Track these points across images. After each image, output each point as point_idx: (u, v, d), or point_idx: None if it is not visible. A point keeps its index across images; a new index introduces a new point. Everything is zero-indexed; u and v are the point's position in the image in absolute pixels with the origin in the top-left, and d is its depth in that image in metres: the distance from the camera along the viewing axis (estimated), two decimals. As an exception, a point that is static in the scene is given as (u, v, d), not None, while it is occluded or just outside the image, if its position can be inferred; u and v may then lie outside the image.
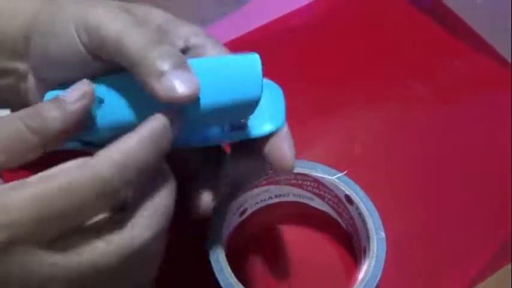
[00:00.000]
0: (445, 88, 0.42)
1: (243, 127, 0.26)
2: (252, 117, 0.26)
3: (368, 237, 0.30)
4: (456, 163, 0.38)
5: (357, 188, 0.32)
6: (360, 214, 0.31)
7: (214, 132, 0.27)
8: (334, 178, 0.32)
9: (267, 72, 0.42)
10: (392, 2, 0.47)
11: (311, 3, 0.46)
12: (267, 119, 0.26)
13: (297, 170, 0.33)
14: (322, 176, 0.32)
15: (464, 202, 0.36)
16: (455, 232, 0.35)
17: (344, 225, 0.34)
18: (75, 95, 0.23)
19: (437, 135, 0.40)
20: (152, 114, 0.23)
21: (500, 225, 0.35)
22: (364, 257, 0.30)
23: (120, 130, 0.23)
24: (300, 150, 0.38)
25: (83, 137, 0.26)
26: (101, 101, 0.25)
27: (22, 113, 0.22)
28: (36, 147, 0.22)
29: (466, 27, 0.45)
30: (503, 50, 0.43)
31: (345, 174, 0.32)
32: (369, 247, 0.30)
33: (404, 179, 0.37)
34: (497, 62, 0.43)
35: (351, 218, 0.33)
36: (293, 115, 0.40)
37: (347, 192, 0.31)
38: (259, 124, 0.26)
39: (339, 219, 0.35)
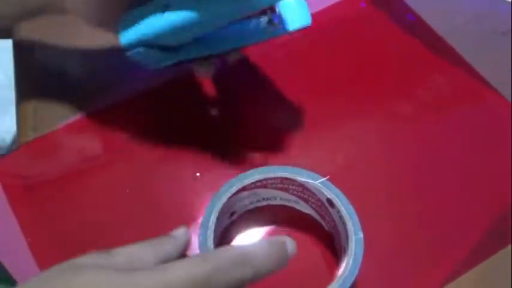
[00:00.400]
0: (426, 102, 0.44)
1: (277, 24, 0.34)
2: (283, 17, 0.34)
3: (347, 238, 0.32)
4: (433, 172, 0.41)
5: (338, 192, 0.34)
6: (341, 217, 0.33)
7: (252, 27, 0.35)
8: (317, 183, 0.34)
9: (259, 84, 0.44)
10: (376, 21, 0.49)
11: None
12: (296, 19, 0.35)
13: (283, 175, 0.35)
14: (306, 180, 0.34)
15: (439, 206, 0.39)
16: (431, 234, 0.38)
17: (326, 227, 0.37)
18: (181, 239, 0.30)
19: (417, 146, 0.42)
20: (212, 14, 0.31)
21: (474, 226, 0.38)
22: (344, 256, 0.33)
23: (183, 30, 0.32)
24: (288, 157, 0.41)
25: (151, 40, 0.34)
26: (166, 6, 0.32)
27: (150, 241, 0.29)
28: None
29: (447, 46, 0.47)
30: (480, 68, 0.45)
31: (327, 179, 0.34)
32: (347, 247, 0.32)
33: (384, 186, 0.40)
34: (474, 77, 0.45)
35: (333, 220, 0.35)
36: (282, 126, 0.43)
37: (329, 196, 0.34)
38: (290, 22, 0.35)
39: (322, 222, 0.37)
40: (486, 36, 0.47)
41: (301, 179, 0.35)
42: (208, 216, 0.33)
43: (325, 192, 0.34)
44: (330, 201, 0.34)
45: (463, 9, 0.50)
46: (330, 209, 0.34)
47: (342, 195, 0.34)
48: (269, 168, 0.35)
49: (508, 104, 0.43)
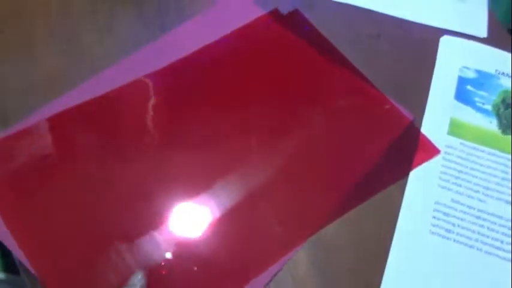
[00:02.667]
0: (328, 107, 0.53)
1: None
2: None
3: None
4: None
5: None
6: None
7: None
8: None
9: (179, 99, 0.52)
10: (281, 37, 0.57)
11: (217, 41, 0.57)
12: None
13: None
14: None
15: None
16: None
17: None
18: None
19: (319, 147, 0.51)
20: None
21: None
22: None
23: None
24: (202, 166, 0.48)
25: None
26: None
27: None
28: None
29: (339, 54, 0.56)
30: (363, 70, 0.56)
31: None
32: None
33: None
34: (361, 79, 0.55)
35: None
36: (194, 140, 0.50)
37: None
38: None
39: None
40: (363, 40, 0.60)
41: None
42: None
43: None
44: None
45: (342, 17, 0.60)
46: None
47: None
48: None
49: (387, 100, 0.54)
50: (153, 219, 0.46)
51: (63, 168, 0.48)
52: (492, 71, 0.57)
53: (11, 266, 0.42)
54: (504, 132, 0.53)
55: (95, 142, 0.49)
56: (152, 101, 0.52)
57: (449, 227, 0.47)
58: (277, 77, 0.56)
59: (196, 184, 0.48)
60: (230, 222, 0.46)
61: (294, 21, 0.59)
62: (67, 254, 0.44)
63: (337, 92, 0.55)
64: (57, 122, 0.50)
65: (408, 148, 0.52)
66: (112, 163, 0.48)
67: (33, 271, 0.41)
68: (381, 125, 0.53)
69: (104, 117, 0.51)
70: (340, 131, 0.52)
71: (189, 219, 0.46)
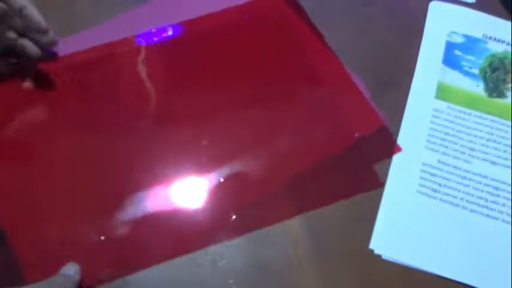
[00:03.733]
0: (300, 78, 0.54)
1: None
2: None
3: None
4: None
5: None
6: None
7: None
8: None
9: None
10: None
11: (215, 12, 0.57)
12: None
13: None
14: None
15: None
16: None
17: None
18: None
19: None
20: None
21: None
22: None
23: None
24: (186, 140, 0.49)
25: None
26: None
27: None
28: None
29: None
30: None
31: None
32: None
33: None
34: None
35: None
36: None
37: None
38: None
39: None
40: (355, 8, 0.60)
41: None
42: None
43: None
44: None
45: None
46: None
47: None
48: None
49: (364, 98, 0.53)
50: (141, 185, 0.47)
51: (53, 127, 0.50)
52: (479, 35, 0.58)
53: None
54: (490, 95, 0.55)
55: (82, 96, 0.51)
56: (143, 61, 0.54)
57: (436, 186, 0.48)
58: (268, 55, 0.56)
59: (188, 152, 0.49)
60: (218, 189, 0.47)
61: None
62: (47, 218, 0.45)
63: (325, 79, 0.55)
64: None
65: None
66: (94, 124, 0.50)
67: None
68: (352, 123, 0.52)
69: (93, 69, 0.53)
70: (313, 120, 0.52)
71: (181, 187, 0.48)
